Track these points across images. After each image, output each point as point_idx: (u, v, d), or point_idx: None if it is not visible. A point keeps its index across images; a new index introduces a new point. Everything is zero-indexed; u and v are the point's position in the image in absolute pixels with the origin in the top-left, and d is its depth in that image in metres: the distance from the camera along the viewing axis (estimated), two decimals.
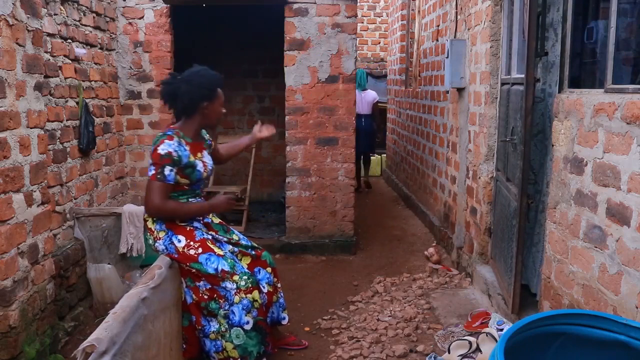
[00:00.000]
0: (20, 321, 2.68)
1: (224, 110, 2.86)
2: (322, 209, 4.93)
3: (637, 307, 2.00)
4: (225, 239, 2.90)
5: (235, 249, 2.92)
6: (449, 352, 2.79)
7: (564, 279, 2.58)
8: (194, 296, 2.71)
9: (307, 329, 3.46)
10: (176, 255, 2.67)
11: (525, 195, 2.94)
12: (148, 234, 2.79)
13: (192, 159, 2.71)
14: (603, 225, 2.25)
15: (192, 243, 2.68)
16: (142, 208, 3.95)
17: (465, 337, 2.85)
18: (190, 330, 2.78)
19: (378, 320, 3.47)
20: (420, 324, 3.40)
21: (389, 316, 3.52)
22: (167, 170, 2.61)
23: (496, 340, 2.65)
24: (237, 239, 2.98)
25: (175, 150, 2.62)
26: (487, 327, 2.93)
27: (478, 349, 2.70)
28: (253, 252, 2.98)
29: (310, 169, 4.90)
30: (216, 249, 2.72)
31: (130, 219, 3.86)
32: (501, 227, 3.40)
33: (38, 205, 2.88)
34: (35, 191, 2.84)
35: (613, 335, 1.69)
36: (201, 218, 2.86)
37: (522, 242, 2.97)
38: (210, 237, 2.80)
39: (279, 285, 3.09)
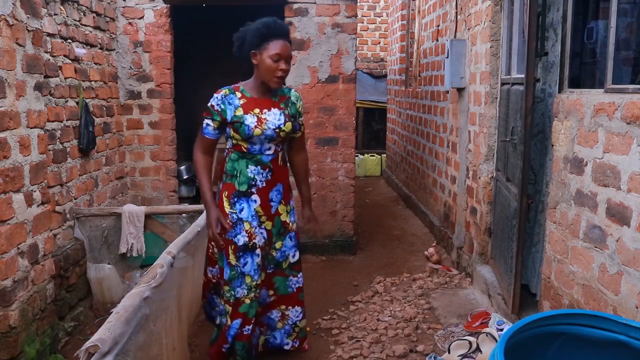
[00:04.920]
0: (20, 321, 2.68)
1: (282, 67, 2.56)
2: (322, 209, 4.92)
3: (637, 307, 2.00)
4: (265, 248, 2.73)
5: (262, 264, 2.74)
6: (449, 352, 2.79)
7: (564, 279, 2.59)
8: (204, 277, 2.88)
9: (307, 329, 3.45)
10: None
11: (525, 195, 2.94)
12: None
13: (239, 112, 2.59)
14: (603, 225, 2.25)
15: (222, 237, 2.66)
16: (142, 208, 3.96)
17: (465, 337, 2.85)
18: None
19: (378, 320, 3.47)
20: (420, 324, 3.40)
21: (389, 316, 3.52)
22: (205, 122, 2.64)
23: (496, 340, 2.65)
24: (279, 247, 2.81)
25: (219, 104, 2.61)
26: (487, 327, 2.93)
27: (478, 349, 2.70)
28: (271, 271, 2.84)
29: (310, 169, 4.89)
30: (231, 257, 2.66)
31: (130, 219, 3.86)
32: (501, 227, 3.40)
33: (38, 205, 2.88)
34: (35, 191, 2.84)
35: (613, 335, 1.69)
36: (263, 205, 2.68)
37: (522, 242, 2.97)
38: (242, 241, 2.64)
39: (287, 312, 2.93)
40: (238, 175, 2.66)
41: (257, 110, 2.63)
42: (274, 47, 2.57)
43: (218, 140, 2.72)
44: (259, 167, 2.66)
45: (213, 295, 2.92)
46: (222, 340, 2.74)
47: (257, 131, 2.59)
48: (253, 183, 2.66)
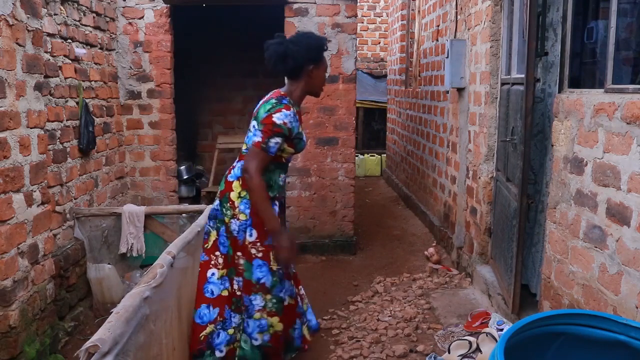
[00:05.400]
0: (20, 321, 2.68)
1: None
2: (322, 209, 4.93)
3: (637, 307, 2.00)
4: None
5: None
6: (449, 352, 2.79)
7: (564, 279, 2.59)
8: (229, 288, 2.71)
9: None
10: (240, 244, 2.63)
11: (525, 195, 2.94)
12: (228, 204, 2.64)
13: (300, 128, 2.67)
14: (603, 225, 2.25)
15: (259, 244, 2.62)
16: (142, 208, 3.96)
17: (465, 337, 2.85)
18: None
19: (378, 320, 3.48)
20: (420, 324, 3.40)
21: (389, 316, 3.52)
22: (273, 141, 2.51)
23: (496, 340, 2.65)
24: None
25: (290, 122, 2.55)
26: (487, 327, 2.93)
27: (478, 349, 2.70)
28: None
29: (310, 169, 4.90)
30: (273, 262, 2.64)
31: (130, 219, 3.86)
32: (501, 227, 3.40)
33: (38, 205, 2.88)
34: (35, 191, 2.84)
35: (613, 335, 1.69)
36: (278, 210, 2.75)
37: (522, 242, 2.97)
38: None
39: (302, 291, 2.97)
40: (273, 184, 2.69)
41: (302, 125, 2.75)
42: (326, 61, 2.74)
43: None
44: (285, 174, 2.78)
45: (235, 313, 2.75)
46: (276, 343, 2.68)
47: (306, 144, 2.78)
48: (279, 189, 2.77)
